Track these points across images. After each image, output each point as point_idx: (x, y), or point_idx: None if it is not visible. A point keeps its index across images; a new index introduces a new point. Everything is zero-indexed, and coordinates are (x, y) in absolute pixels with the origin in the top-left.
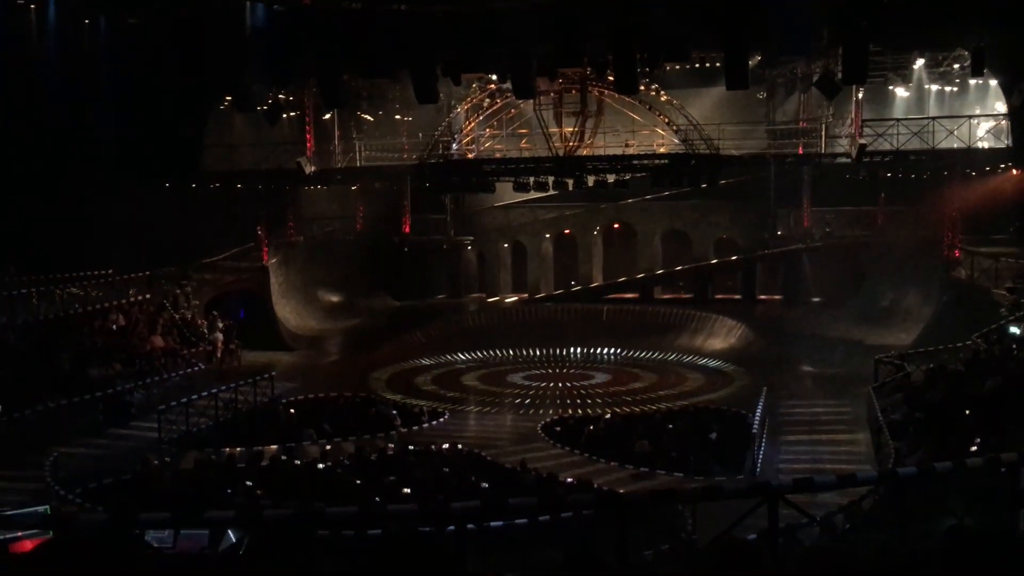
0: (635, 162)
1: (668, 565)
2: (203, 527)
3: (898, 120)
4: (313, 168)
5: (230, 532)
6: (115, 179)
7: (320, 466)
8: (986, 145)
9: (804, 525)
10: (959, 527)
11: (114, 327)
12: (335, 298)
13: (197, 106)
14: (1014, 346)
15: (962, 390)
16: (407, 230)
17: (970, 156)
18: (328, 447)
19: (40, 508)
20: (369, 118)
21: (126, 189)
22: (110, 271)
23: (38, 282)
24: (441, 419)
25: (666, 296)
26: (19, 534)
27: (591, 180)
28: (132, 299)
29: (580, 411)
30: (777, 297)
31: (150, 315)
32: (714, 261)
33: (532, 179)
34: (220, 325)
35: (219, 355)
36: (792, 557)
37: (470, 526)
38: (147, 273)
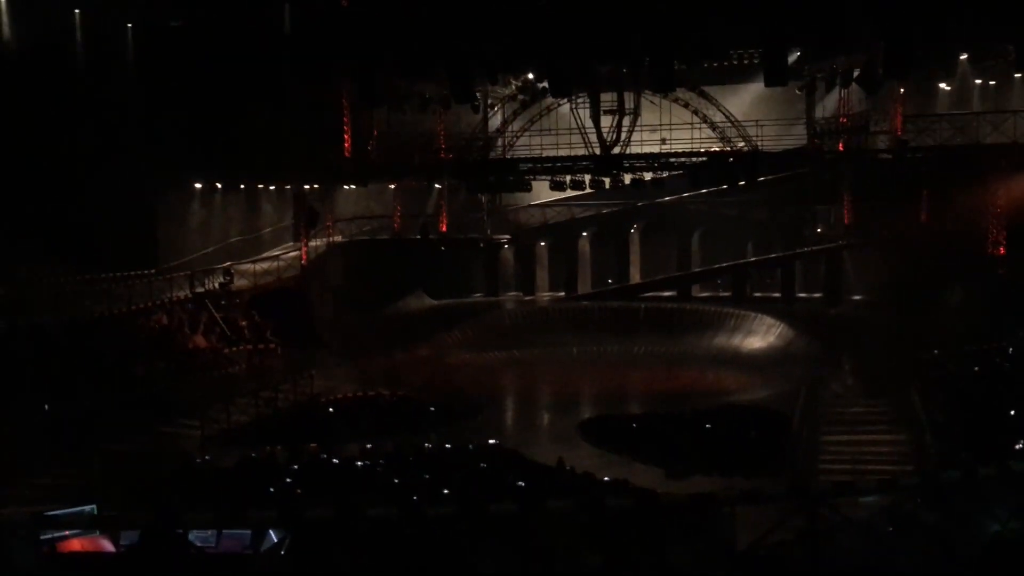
0: (672, 160)
1: (705, 567)
2: (246, 527)
3: (941, 116)
4: (352, 168)
5: (271, 532)
6: (157, 180)
7: (359, 464)
8: None
9: (844, 528)
10: (1003, 533)
11: (157, 326)
12: (373, 297)
13: (237, 106)
14: None
15: (1007, 389)
16: (444, 229)
17: (1014, 152)
18: (368, 445)
19: (87, 508)
20: (407, 117)
21: (168, 190)
22: (153, 271)
23: (84, 281)
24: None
25: (704, 294)
26: (66, 533)
27: (628, 178)
28: (175, 298)
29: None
30: (817, 295)
31: (192, 314)
32: (753, 259)
33: (569, 177)
34: (260, 324)
35: (260, 354)
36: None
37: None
38: (189, 273)
